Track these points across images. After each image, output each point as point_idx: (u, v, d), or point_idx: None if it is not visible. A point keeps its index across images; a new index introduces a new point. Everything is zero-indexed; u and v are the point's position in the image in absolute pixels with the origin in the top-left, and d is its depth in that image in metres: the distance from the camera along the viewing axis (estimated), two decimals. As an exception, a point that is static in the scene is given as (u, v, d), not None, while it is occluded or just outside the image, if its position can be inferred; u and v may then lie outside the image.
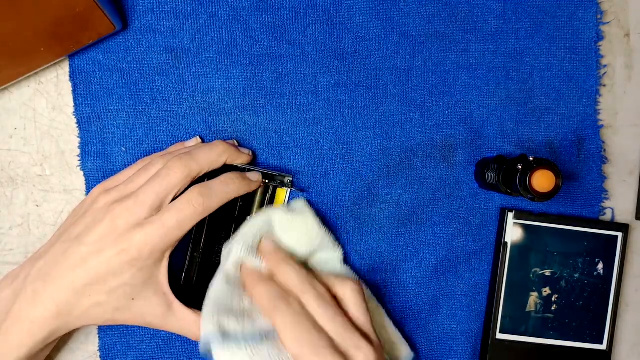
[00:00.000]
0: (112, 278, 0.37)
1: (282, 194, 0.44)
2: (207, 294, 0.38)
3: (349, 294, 0.38)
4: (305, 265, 0.42)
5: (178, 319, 0.39)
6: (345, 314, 0.38)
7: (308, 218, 0.43)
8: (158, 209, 0.37)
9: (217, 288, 0.38)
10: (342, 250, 0.44)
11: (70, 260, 0.37)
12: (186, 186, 0.38)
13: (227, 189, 0.39)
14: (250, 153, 0.43)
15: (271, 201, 0.44)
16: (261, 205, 0.43)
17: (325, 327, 0.36)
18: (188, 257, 0.42)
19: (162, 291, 0.39)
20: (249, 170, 0.42)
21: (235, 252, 0.40)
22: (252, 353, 0.35)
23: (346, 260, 0.45)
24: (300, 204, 0.43)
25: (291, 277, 0.38)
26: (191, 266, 0.42)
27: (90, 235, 0.37)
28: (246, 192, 0.41)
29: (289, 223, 0.42)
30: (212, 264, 0.43)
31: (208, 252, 0.42)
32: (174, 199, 0.38)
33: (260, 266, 0.40)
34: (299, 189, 0.45)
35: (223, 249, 0.41)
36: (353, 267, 0.45)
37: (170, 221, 0.37)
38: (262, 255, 0.40)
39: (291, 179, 0.43)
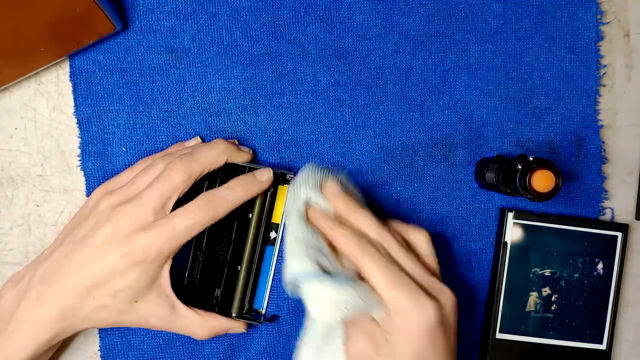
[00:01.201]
0: (116, 281, 0.37)
1: (284, 191, 0.44)
2: (285, 235, 0.39)
3: (425, 243, 0.39)
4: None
5: (181, 319, 0.39)
6: (422, 261, 0.39)
7: (337, 174, 0.42)
8: (161, 210, 0.37)
9: (298, 229, 0.38)
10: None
11: (74, 262, 0.37)
12: (189, 187, 0.38)
13: (236, 194, 0.39)
14: (251, 151, 0.43)
15: (273, 199, 0.44)
16: (263, 204, 0.43)
17: (410, 272, 0.37)
18: (190, 257, 0.42)
19: (165, 293, 0.39)
20: (250, 169, 0.42)
21: (303, 193, 0.39)
22: (349, 291, 0.35)
23: None
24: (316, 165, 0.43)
25: (369, 225, 0.38)
26: (194, 266, 0.42)
27: (94, 238, 0.37)
28: (257, 194, 0.41)
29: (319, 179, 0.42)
30: (214, 264, 0.43)
31: (210, 252, 0.42)
32: (177, 200, 0.38)
33: (330, 209, 0.39)
34: None
35: (287, 190, 0.41)
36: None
37: (179, 225, 0.37)
38: (331, 197, 0.40)
39: (292, 176, 0.43)
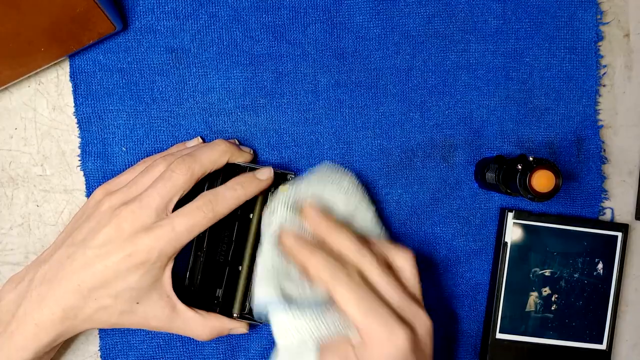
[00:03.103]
0: (118, 282, 0.37)
1: (285, 191, 0.44)
2: (257, 260, 0.38)
3: (408, 265, 0.38)
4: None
5: (182, 321, 0.39)
6: (402, 283, 0.38)
7: (345, 174, 0.42)
8: (163, 211, 0.37)
9: (268, 254, 0.38)
10: (374, 207, 0.43)
11: (75, 264, 0.37)
12: (190, 187, 0.38)
13: (236, 194, 0.39)
14: (251, 151, 0.43)
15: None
16: (263, 204, 0.43)
17: (386, 296, 0.36)
18: (191, 257, 0.42)
19: (167, 294, 0.39)
20: (251, 169, 0.42)
21: (278, 217, 0.39)
22: (314, 317, 0.35)
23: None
24: (328, 165, 0.43)
25: (347, 245, 0.37)
26: (195, 267, 0.42)
27: (95, 239, 0.37)
28: (256, 194, 0.40)
29: (326, 183, 0.41)
30: (216, 264, 0.43)
31: (211, 252, 0.42)
32: (179, 200, 0.38)
33: (303, 231, 0.39)
34: None
35: (264, 212, 0.40)
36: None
37: (180, 226, 0.37)
38: (309, 220, 0.39)
39: (293, 176, 0.43)
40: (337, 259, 0.37)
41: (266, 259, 0.38)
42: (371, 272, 0.36)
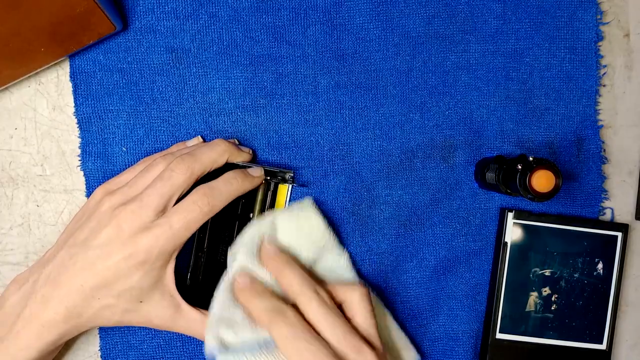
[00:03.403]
0: (120, 281, 0.37)
1: (284, 190, 0.44)
2: (210, 305, 0.39)
3: (356, 299, 0.38)
4: (310, 271, 0.42)
5: (186, 320, 0.39)
6: (349, 319, 0.37)
7: (312, 219, 0.42)
8: (163, 210, 0.37)
9: (219, 299, 0.38)
10: (347, 254, 0.44)
11: (78, 264, 0.37)
12: (190, 187, 0.38)
13: (231, 187, 0.39)
14: (250, 151, 0.43)
15: (273, 198, 0.44)
16: (263, 202, 0.43)
17: (325, 333, 0.36)
18: (193, 257, 0.42)
19: (169, 293, 0.39)
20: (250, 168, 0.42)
21: (238, 261, 0.39)
22: None
23: (352, 263, 0.45)
24: (306, 203, 0.43)
25: (293, 281, 0.38)
26: (196, 266, 0.42)
27: (96, 240, 0.37)
28: (249, 189, 0.41)
29: (292, 225, 0.42)
30: (217, 263, 0.43)
31: (212, 252, 0.43)
32: (178, 199, 0.38)
33: (263, 274, 0.39)
34: (300, 184, 0.45)
35: (228, 255, 0.40)
36: (354, 268, 0.45)
37: (177, 223, 0.37)
38: (264, 260, 0.40)
39: (292, 174, 0.43)
40: (282, 299, 0.37)
41: (215, 307, 0.38)
42: (312, 310, 0.36)
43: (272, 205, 0.44)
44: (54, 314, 0.37)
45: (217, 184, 0.39)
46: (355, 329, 0.37)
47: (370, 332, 0.37)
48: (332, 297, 0.38)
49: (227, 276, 0.40)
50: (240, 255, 0.40)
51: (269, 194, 0.43)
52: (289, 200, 0.45)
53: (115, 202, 0.38)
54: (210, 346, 0.36)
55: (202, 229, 0.42)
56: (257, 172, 0.42)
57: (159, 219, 0.37)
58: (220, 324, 0.37)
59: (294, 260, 0.40)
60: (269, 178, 0.43)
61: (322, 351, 0.34)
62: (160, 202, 0.37)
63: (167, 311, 0.39)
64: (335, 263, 0.43)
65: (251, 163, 0.42)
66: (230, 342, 0.37)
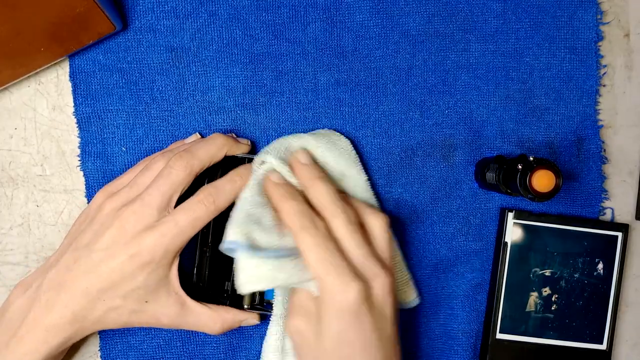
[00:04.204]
0: (126, 282, 0.37)
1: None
2: (236, 202, 0.38)
3: (378, 226, 0.38)
4: (337, 185, 0.42)
5: (193, 316, 0.39)
6: (370, 243, 0.38)
7: (342, 139, 0.43)
8: (165, 208, 0.37)
9: (247, 197, 0.38)
10: (367, 176, 0.44)
11: (82, 267, 0.37)
12: (190, 183, 0.39)
13: (236, 185, 0.39)
14: (249, 142, 0.43)
15: None
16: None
17: (349, 251, 0.36)
18: (197, 253, 0.42)
19: (175, 291, 0.39)
20: (250, 160, 0.42)
21: (268, 162, 0.39)
22: (277, 267, 0.35)
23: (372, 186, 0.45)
24: (328, 130, 0.43)
25: (323, 197, 0.38)
26: (201, 262, 0.42)
27: (100, 242, 0.37)
28: None
29: (323, 140, 0.42)
30: (222, 258, 0.43)
31: (217, 247, 0.43)
32: (180, 196, 0.38)
33: (291, 179, 0.39)
34: None
35: (254, 160, 0.40)
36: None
37: (183, 221, 0.37)
38: (295, 166, 0.40)
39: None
40: (313, 209, 0.37)
41: (243, 204, 0.38)
42: (338, 226, 0.37)
43: None
44: (60, 317, 0.37)
45: (222, 182, 0.39)
46: (375, 253, 0.37)
47: (386, 259, 0.38)
48: (357, 217, 0.38)
49: (253, 177, 0.39)
50: (270, 157, 0.39)
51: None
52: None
53: (117, 203, 0.38)
54: (236, 241, 0.36)
55: (206, 224, 0.42)
56: None
57: (164, 217, 0.37)
58: (249, 221, 0.37)
59: (325, 173, 0.40)
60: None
61: (344, 265, 0.35)
62: (162, 200, 0.37)
63: (173, 309, 0.39)
64: (357, 182, 0.43)
65: (250, 154, 0.42)
66: (259, 242, 0.36)
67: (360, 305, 0.35)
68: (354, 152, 0.43)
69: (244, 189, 0.39)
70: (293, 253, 0.36)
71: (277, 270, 0.36)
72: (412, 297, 0.44)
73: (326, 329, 0.35)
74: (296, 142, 0.41)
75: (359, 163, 0.43)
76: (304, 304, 0.37)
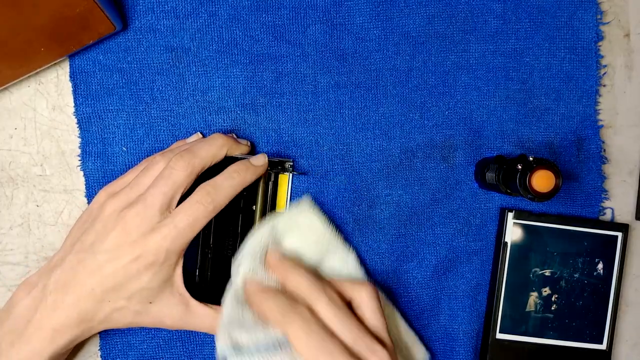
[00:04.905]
0: (130, 283, 0.37)
1: (285, 179, 0.44)
2: (221, 311, 0.38)
3: (365, 298, 0.38)
4: (316, 272, 0.42)
5: (196, 317, 0.40)
6: (358, 318, 0.37)
7: (313, 220, 0.42)
8: (167, 209, 0.37)
9: (228, 304, 0.38)
10: (354, 253, 0.44)
11: (87, 269, 0.37)
12: (191, 183, 0.39)
13: (233, 182, 0.39)
14: (249, 143, 0.43)
15: (275, 188, 0.44)
16: (265, 193, 0.43)
17: (337, 332, 0.35)
18: (199, 254, 0.42)
19: (178, 292, 0.39)
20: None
21: (243, 268, 0.39)
22: None
23: (360, 261, 0.45)
24: (304, 204, 0.43)
25: (300, 284, 0.37)
26: (204, 263, 0.42)
27: (104, 244, 0.37)
28: (254, 179, 0.40)
29: (293, 228, 0.42)
30: (224, 258, 0.43)
31: (218, 247, 0.43)
32: (181, 197, 0.38)
33: (269, 279, 0.39)
34: (300, 172, 0.45)
35: (232, 263, 0.40)
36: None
37: (182, 223, 0.37)
38: (270, 265, 0.40)
39: (292, 163, 0.43)
40: (293, 300, 0.37)
41: (225, 309, 0.38)
42: (322, 309, 0.36)
43: (274, 196, 0.44)
44: (66, 318, 0.37)
45: (219, 180, 0.39)
46: (366, 328, 0.36)
47: (381, 331, 0.37)
48: (340, 296, 0.38)
49: (232, 285, 0.39)
50: (246, 262, 0.39)
51: (270, 184, 0.43)
52: (290, 189, 0.44)
53: (119, 204, 0.38)
54: (222, 347, 0.36)
55: (207, 225, 0.42)
56: (259, 161, 0.41)
57: (165, 219, 0.37)
58: (232, 325, 0.37)
59: (299, 263, 0.40)
60: (269, 169, 0.43)
61: (338, 349, 0.34)
62: (163, 200, 0.37)
63: (177, 310, 0.39)
64: (342, 263, 0.43)
65: (250, 155, 0.42)
66: (244, 343, 0.36)
67: None
68: (330, 231, 0.43)
69: (224, 298, 0.39)
70: (283, 344, 0.36)
71: None
72: (421, 356, 0.44)
73: None
74: (268, 238, 0.41)
75: (339, 242, 0.43)
76: None
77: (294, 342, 0.35)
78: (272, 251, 0.40)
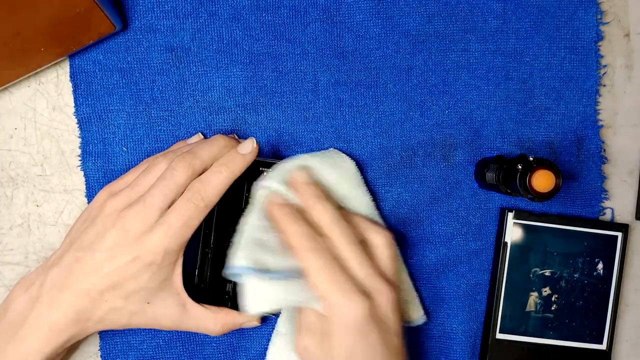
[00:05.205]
0: (128, 283, 0.37)
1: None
2: (240, 227, 0.39)
3: (382, 244, 0.39)
4: (339, 205, 0.42)
5: (193, 318, 0.40)
6: (373, 260, 0.38)
7: (346, 161, 0.43)
8: (167, 210, 0.37)
9: (251, 223, 0.39)
10: (371, 197, 0.44)
11: (85, 268, 0.37)
12: None
13: (222, 176, 0.38)
14: (255, 142, 0.42)
15: None
16: None
17: (352, 269, 0.37)
18: (199, 254, 0.42)
19: (176, 292, 0.39)
20: (257, 163, 0.41)
21: (268, 184, 0.39)
22: (284, 288, 0.36)
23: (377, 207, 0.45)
24: (332, 149, 0.44)
25: (325, 217, 0.38)
26: (203, 263, 0.42)
27: (102, 243, 0.37)
28: (243, 169, 0.39)
29: (326, 161, 0.42)
30: (224, 260, 0.43)
31: (219, 248, 0.42)
32: None
33: (293, 199, 0.39)
34: None
35: (257, 182, 0.40)
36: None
37: (175, 223, 0.37)
38: (295, 186, 0.40)
39: None
40: (315, 229, 0.38)
41: (247, 229, 0.38)
42: (341, 245, 0.37)
43: None
44: (63, 317, 0.37)
45: (207, 176, 0.38)
46: (378, 270, 0.38)
47: (390, 275, 0.38)
48: (358, 233, 0.39)
49: (254, 201, 0.39)
50: (271, 180, 0.40)
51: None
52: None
53: (119, 204, 0.38)
54: (239, 266, 0.37)
55: (208, 224, 0.42)
56: (247, 148, 0.39)
57: (160, 219, 0.37)
58: (255, 245, 0.37)
59: (325, 191, 0.41)
60: (267, 170, 0.42)
61: (349, 285, 0.35)
62: (164, 201, 0.37)
63: (173, 310, 0.39)
64: (362, 203, 0.43)
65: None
66: (266, 264, 0.37)
67: (366, 321, 0.35)
68: (358, 173, 0.43)
69: (247, 214, 0.39)
70: (298, 273, 0.37)
71: (284, 292, 0.37)
72: (418, 315, 0.45)
73: (334, 346, 0.36)
74: (298, 163, 0.41)
75: (363, 185, 0.44)
76: (311, 322, 0.37)
77: (309, 272, 0.36)
78: (300, 171, 0.40)
